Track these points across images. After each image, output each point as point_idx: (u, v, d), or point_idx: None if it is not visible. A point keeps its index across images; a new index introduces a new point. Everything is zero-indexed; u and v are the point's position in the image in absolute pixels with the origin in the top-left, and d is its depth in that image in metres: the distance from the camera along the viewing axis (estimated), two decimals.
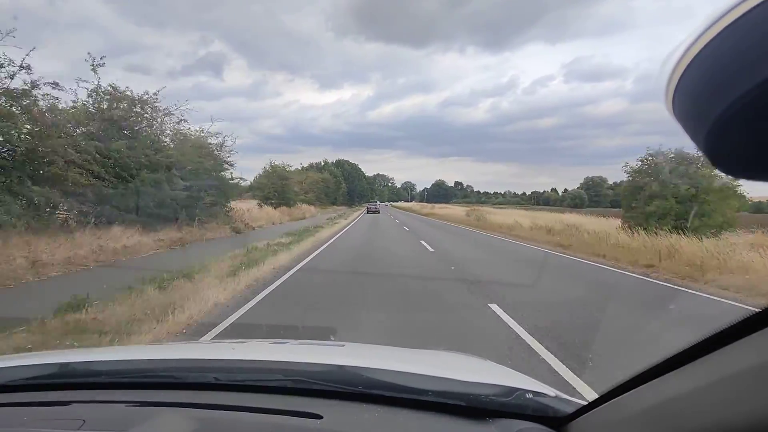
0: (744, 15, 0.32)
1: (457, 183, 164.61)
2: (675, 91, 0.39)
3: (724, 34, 0.34)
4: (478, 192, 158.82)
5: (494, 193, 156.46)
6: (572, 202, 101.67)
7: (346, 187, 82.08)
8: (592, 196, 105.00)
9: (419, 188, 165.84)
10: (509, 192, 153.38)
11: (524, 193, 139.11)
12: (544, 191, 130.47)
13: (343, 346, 1.56)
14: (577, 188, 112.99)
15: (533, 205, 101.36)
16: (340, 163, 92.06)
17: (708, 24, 0.35)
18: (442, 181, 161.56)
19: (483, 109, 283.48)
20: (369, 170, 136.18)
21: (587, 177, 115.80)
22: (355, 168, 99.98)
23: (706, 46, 0.35)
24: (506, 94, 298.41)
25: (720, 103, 0.35)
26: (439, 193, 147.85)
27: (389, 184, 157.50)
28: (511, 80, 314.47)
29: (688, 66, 0.37)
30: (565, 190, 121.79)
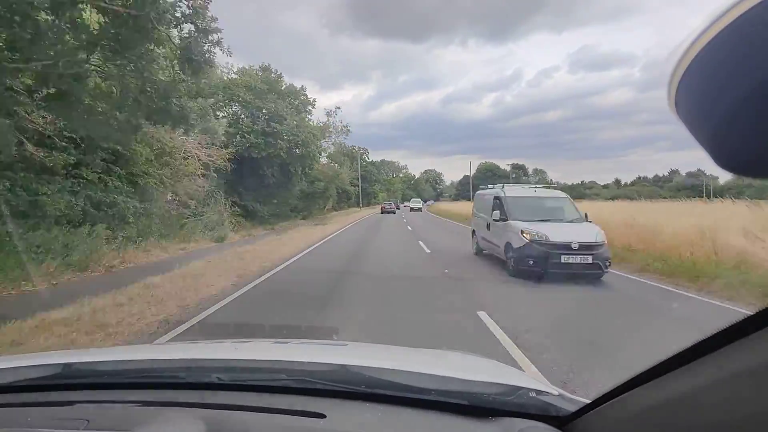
0: (745, 13, 0.32)
1: (516, 166, 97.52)
2: (677, 89, 0.39)
3: (726, 32, 0.34)
4: (555, 182, 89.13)
5: (582, 182, 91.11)
6: None
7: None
8: None
9: (447, 180, 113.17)
10: (584, 181, 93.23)
11: (618, 181, 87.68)
12: (683, 172, 77.83)
13: (346, 345, 1.57)
14: None
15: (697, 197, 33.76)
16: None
17: (710, 23, 0.35)
18: (494, 164, 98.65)
19: (486, 104, 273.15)
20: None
21: None
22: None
23: (707, 44, 0.35)
24: (510, 88, 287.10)
25: (722, 102, 0.35)
26: (491, 182, 74.57)
27: (401, 174, 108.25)
28: (515, 73, 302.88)
29: (690, 65, 0.37)
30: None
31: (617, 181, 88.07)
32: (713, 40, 0.35)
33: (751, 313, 0.50)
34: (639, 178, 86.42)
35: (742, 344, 0.50)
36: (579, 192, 74.46)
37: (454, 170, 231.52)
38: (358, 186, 59.23)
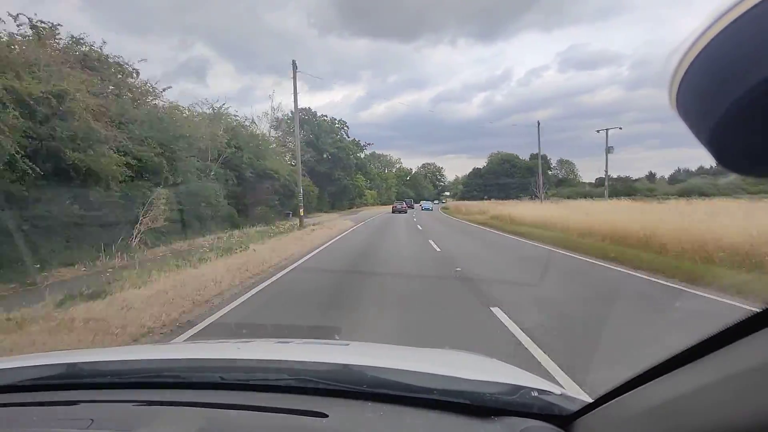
0: (747, 12, 0.32)
1: (534, 156, 63.66)
2: (678, 88, 0.39)
3: (728, 31, 0.33)
4: (589, 183, 70.52)
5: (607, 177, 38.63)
6: None
7: None
8: None
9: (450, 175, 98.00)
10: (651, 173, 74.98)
11: (653, 174, 73.05)
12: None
13: (348, 345, 1.57)
14: None
15: None
16: None
17: (711, 21, 0.34)
18: (511, 155, 78.13)
19: (477, 103, 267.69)
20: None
21: None
22: None
23: (709, 43, 0.35)
24: (500, 87, 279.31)
25: (724, 101, 0.35)
26: (509, 174, 74.66)
27: (394, 170, 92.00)
28: (505, 72, 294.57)
29: (692, 63, 0.37)
30: None
31: (651, 174, 75.21)
32: (714, 40, 0.35)
33: (753, 313, 0.50)
34: (678, 170, 73.19)
35: (743, 344, 0.50)
36: (628, 186, 53.95)
37: (447, 170, 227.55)
38: (298, 169, 23.25)
